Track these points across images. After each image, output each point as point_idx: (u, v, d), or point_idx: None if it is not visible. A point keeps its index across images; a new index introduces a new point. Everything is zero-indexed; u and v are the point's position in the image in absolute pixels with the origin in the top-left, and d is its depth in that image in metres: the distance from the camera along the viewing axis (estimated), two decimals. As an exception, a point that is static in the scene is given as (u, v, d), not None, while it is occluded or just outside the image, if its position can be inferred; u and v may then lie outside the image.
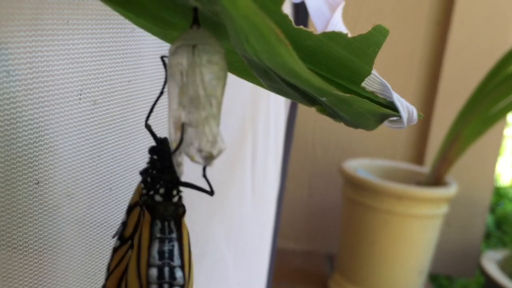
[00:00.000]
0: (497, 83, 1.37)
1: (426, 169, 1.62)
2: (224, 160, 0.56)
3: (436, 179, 1.48)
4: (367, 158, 1.65)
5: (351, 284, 1.53)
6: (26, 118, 0.28)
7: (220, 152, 0.25)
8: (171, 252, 0.29)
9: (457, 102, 1.49)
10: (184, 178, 0.31)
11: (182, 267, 0.29)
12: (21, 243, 0.30)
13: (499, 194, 2.44)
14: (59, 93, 0.30)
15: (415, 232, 1.45)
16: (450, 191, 1.44)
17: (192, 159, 0.25)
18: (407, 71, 1.69)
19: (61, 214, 0.33)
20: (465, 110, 1.42)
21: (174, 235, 0.29)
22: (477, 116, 1.39)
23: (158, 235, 0.29)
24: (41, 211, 0.31)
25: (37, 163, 0.30)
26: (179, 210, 0.30)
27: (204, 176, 0.31)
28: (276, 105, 0.72)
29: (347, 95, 0.31)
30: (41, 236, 0.32)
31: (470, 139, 1.41)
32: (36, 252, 0.32)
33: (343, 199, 1.55)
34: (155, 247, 0.29)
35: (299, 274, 1.68)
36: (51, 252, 0.33)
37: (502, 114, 1.40)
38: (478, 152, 1.64)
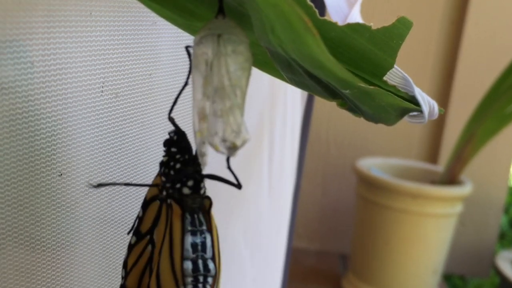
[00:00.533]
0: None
1: (440, 168, 1.61)
2: (242, 156, 0.56)
3: (450, 178, 1.47)
4: (381, 157, 1.65)
5: (364, 283, 1.53)
6: (49, 110, 0.28)
7: (244, 142, 0.25)
8: (203, 244, 0.29)
9: (471, 101, 1.48)
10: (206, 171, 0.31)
11: (213, 258, 0.29)
12: (47, 235, 0.30)
13: (512, 194, 2.42)
14: (81, 85, 0.30)
15: (429, 231, 1.45)
16: (464, 190, 1.43)
17: (216, 149, 0.25)
18: (422, 70, 1.68)
19: (83, 208, 0.33)
20: (480, 109, 1.41)
21: (204, 227, 0.29)
22: (492, 115, 1.38)
23: (190, 228, 0.29)
24: (64, 203, 0.31)
25: (60, 155, 0.30)
26: (206, 202, 0.30)
27: (229, 167, 0.30)
28: (292, 102, 0.71)
29: (371, 87, 0.31)
30: (63, 229, 0.32)
31: (485, 138, 1.40)
32: (58, 246, 0.32)
33: (357, 198, 1.55)
34: (188, 240, 0.29)
35: (312, 273, 1.67)
36: (71, 246, 0.33)
37: (517, 113, 1.39)
38: (493, 151, 1.63)
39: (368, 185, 1.48)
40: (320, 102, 1.47)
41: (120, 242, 0.38)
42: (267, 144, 0.63)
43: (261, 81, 0.59)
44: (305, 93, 0.83)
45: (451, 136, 1.63)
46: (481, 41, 1.63)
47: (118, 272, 0.38)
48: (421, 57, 1.67)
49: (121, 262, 0.38)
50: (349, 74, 0.28)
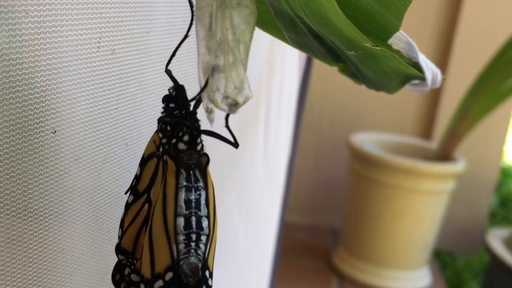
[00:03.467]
0: (509, 59, 1.35)
1: (434, 144, 1.61)
2: (238, 123, 0.55)
3: (444, 155, 1.47)
4: (375, 132, 1.64)
5: (354, 258, 1.53)
6: (44, 63, 0.27)
7: (246, 99, 0.24)
8: (197, 201, 0.28)
9: (467, 77, 1.47)
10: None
11: (208, 217, 0.28)
12: (34, 200, 0.29)
13: (503, 173, 2.43)
14: (77, 39, 0.29)
15: (421, 207, 1.45)
16: (457, 167, 1.42)
17: (216, 105, 0.24)
18: (418, 44, 1.67)
19: (76, 166, 0.32)
20: (476, 85, 1.40)
21: (200, 184, 0.29)
22: (488, 92, 1.37)
23: (184, 183, 0.28)
24: (58, 161, 0.30)
25: (54, 111, 0.29)
26: (203, 159, 0.29)
27: (227, 126, 0.30)
28: (290, 73, 0.70)
29: (378, 48, 0.30)
30: (60, 186, 0.31)
31: (480, 114, 1.40)
32: (48, 211, 0.31)
33: (349, 173, 1.54)
34: (182, 196, 0.28)
35: (303, 247, 1.67)
36: (60, 211, 0.32)
37: (513, 90, 1.38)
38: (487, 129, 1.63)
39: (361, 160, 1.47)
40: (315, 76, 1.45)
41: (111, 207, 0.37)
42: (264, 113, 0.63)
43: (258, 48, 0.57)
44: (302, 65, 0.82)
45: (446, 112, 1.63)
46: (479, 17, 1.62)
47: (109, 238, 0.38)
48: (418, 31, 1.66)
49: (112, 229, 0.38)
50: (356, 32, 0.27)
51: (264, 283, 0.77)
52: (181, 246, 0.28)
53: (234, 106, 0.24)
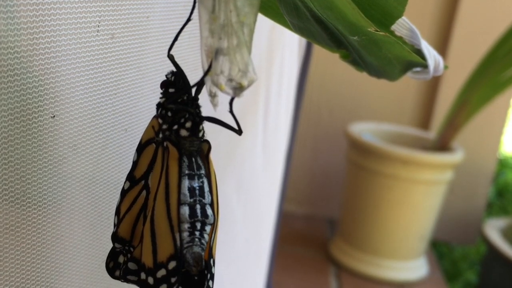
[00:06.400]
0: (508, 49, 1.35)
1: (432, 134, 1.60)
2: (236, 111, 0.54)
3: (442, 145, 1.47)
4: (373, 122, 1.64)
5: (351, 248, 1.53)
6: (42, 46, 0.27)
7: (251, 82, 0.24)
8: (201, 189, 0.28)
9: (466, 67, 1.47)
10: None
11: (211, 204, 0.28)
12: (32, 187, 0.29)
13: (501, 163, 2.43)
14: (76, 22, 0.28)
15: (419, 197, 1.45)
16: (455, 157, 1.42)
17: (221, 88, 0.24)
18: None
19: (75, 152, 0.31)
20: (475, 75, 1.39)
21: (203, 171, 0.28)
22: (486, 82, 1.36)
23: (187, 171, 0.28)
24: (56, 146, 0.29)
25: (52, 96, 0.28)
26: (205, 145, 0.29)
27: (231, 111, 0.29)
28: (289, 61, 0.70)
29: (381, 33, 0.29)
30: (58, 172, 0.30)
31: (478, 105, 1.39)
32: (45, 199, 0.30)
33: (347, 162, 1.54)
34: (185, 184, 0.27)
35: (300, 237, 1.67)
36: (59, 190, 0.32)
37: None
38: (485, 119, 1.63)
39: (359, 150, 1.47)
40: (314, 66, 1.44)
41: (110, 194, 0.37)
42: (263, 102, 0.62)
43: (259, 37, 0.57)
44: (302, 54, 0.82)
45: (444, 102, 1.62)
46: (478, 7, 1.61)
47: (108, 225, 0.37)
48: (417, 21, 1.65)
49: (111, 216, 0.37)
50: (360, 16, 0.27)
51: (261, 272, 0.77)
52: (185, 234, 0.27)
53: (238, 89, 0.24)
